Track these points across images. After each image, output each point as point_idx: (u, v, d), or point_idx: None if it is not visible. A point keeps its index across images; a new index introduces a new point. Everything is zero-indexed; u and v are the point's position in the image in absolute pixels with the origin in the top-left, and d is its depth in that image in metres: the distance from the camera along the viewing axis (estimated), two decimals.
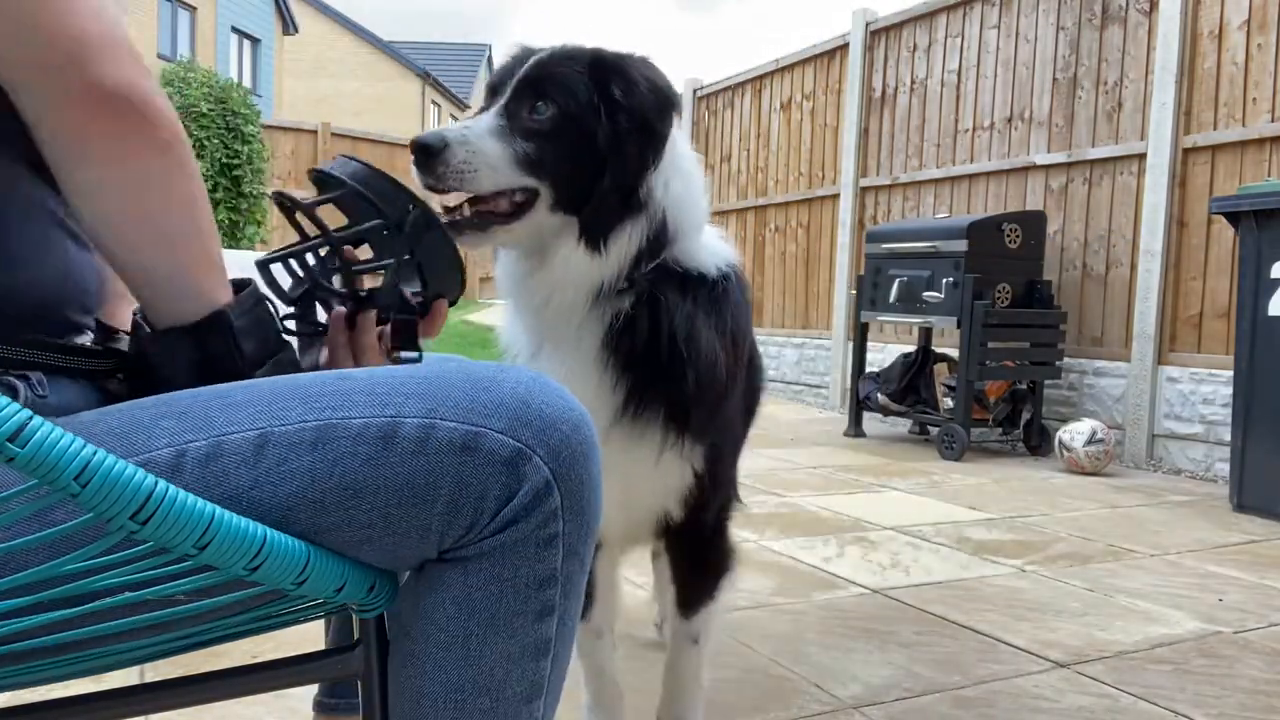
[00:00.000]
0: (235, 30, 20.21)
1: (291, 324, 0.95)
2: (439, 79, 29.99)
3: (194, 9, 18.50)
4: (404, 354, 0.96)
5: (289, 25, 23.09)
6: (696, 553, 1.44)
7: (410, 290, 0.97)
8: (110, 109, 0.71)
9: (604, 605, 1.49)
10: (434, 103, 29.99)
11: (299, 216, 0.93)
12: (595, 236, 1.19)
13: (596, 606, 1.47)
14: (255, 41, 21.13)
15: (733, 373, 1.29)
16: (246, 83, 18.67)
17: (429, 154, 1.14)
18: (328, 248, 0.92)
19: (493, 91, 1.24)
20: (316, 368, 0.96)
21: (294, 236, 0.96)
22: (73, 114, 0.71)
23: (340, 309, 0.94)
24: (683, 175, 1.26)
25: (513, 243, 1.24)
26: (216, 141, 8.08)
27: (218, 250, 0.82)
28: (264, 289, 0.87)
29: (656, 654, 1.95)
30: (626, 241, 1.20)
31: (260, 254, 0.95)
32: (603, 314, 1.23)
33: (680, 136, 1.28)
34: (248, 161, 8.26)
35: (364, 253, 0.97)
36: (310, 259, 0.93)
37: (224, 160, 8.12)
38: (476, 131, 1.17)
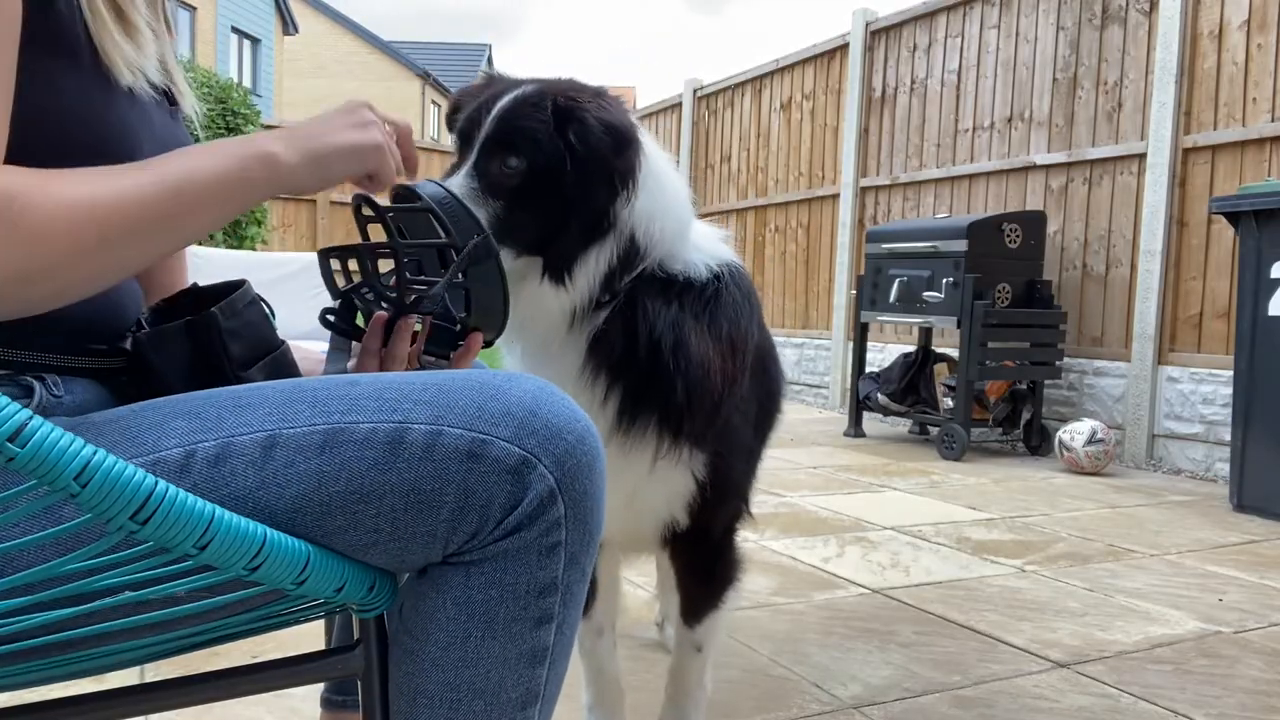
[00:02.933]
0: (235, 30, 20.20)
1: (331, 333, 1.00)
2: (439, 79, 29.99)
3: (194, 9, 18.49)
4: (430, 358, 0.98)
5: (289, 25, 23.08)
6: (702, 562, 1.41)
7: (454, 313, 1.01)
8: None
9: (605, 604, 1.48)
10: (434, 103, 29.99)
11: (369, 227, 0.98)
12: (559, 270, 1.18)
13: (598, 605, 1.46)
14: (255, 41, 21.12)
15: (730, 375, 1.25)
16: (246, 83, 18.68)
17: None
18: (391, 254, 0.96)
19: (464, 140, 1.22)
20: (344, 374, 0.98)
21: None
22: None
23: (381, 313, 0.97)
24: (650, 190, 1.23)
25: None
26: None
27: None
28: (321, 277, 0.95)
29: (657, 654, 1.95)
30: (594, 265, 1.19)
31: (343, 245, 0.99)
32: (582, 331, 1.22)
33: (652, 148, 1.26)
34: None
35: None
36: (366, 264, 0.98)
37: None
38: (452, 192, 1.12)
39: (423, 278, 0.98)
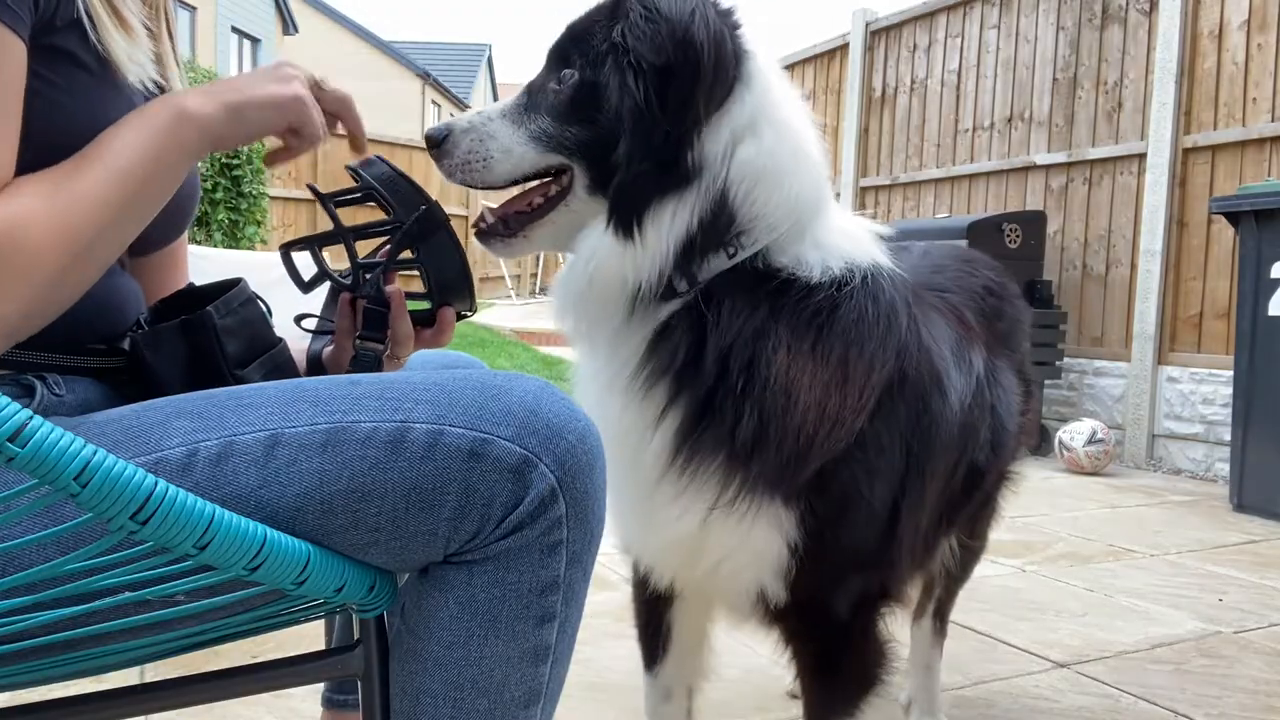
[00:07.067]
0: (235, 30, 20.20)
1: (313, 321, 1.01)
2: (439, 79, 29.99)
3: (194, 9, 18.48)
4: (364, 342, 0.95)
5: (289, 25, 23.07)
6: (824, 652, 1.10)
7: (418, 294, 0.99)
8: None
9: (679, 662, 1.25)
10: (434, 103, 30.00)
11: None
12: (625, 216, 0.93)
13: (669, 662, 1.24)
14: (255, 41, 21.12)
15: (837, 416, 0.97)
16: None
17: (434, 146, 1.02)
18: (353, 239, 0.95)
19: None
20: (318, 354, 1.00)
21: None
22: None
23: (346, 294, 0.97)
24: (767, 136, 0.98)
25: (551, 241, 1.03)
26: None
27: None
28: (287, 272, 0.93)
29: None
30: (669, 221, 0.93)
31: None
32: (644, 322, 0.98)
33: (774, 81, 1.03)
34: (247, 161, 8.26)
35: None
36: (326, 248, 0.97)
37: (224, 160, 8.11)
38: (486, 114, 1.01)
39: (367, 257, 0.97)
